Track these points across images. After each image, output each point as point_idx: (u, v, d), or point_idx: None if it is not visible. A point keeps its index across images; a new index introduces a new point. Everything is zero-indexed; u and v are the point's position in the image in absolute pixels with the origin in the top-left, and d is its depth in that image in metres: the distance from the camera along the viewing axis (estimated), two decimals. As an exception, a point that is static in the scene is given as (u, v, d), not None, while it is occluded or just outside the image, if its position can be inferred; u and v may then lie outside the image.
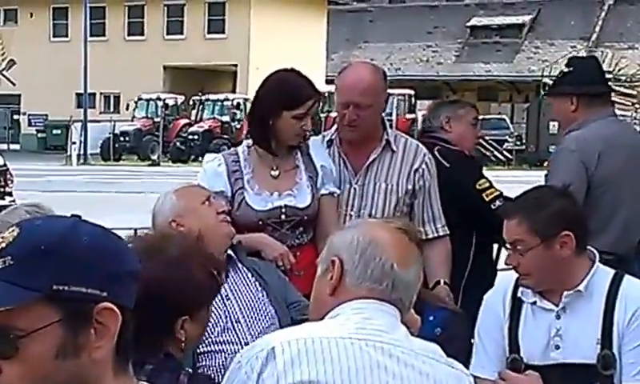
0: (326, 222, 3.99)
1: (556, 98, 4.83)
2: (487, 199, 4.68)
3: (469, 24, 50.82)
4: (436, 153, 4.64)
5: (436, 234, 4.33)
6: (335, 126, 4.35)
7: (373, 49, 51.18)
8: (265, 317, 3.41)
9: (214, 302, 3.20)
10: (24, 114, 47.45)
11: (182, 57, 44.02)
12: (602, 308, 3.18)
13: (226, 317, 3.36)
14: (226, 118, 37.94)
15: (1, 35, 47.91)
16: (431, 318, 3.49)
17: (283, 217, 3.98)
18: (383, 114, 4.38)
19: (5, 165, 14.20)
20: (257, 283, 3.49)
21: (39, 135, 44.67)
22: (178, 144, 37.11)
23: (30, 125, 46.75)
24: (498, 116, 41.22)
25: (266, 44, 43.15)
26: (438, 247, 4.31)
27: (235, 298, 3.41)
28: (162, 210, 3.47)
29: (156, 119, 38.42)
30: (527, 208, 3.26)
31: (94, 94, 44.64)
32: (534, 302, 3.27)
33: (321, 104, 33.23)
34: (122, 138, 38.06)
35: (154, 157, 36.67)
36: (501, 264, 4.54)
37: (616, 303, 3.18)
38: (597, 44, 46.93)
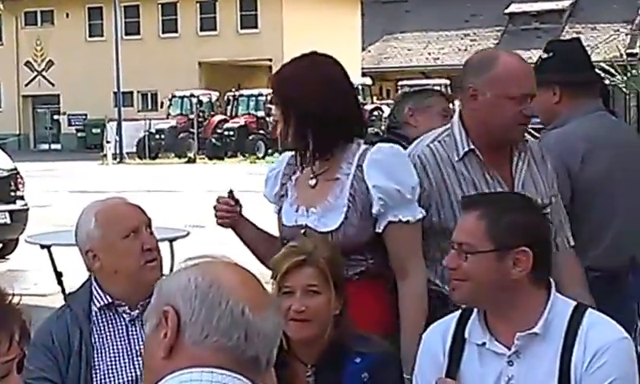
0: (396, 257, 3.25)
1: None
2: None
3: (507, 11, 50.05)
4: None
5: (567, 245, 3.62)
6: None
7: (409, 39, 50.85)
8: None
9: (121, 361, 2.98)
10: (64, 113, 47.92)
11: (216, 53, 43.97)
12: (559, 350, 2.71)
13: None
14: (261, 114, 37.73)
15: (39, 36, 48.32)
16: (357, 360, 2.99)
17: None
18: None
19: (15, 168, 13.31)
20: None
21: (79, 134, 45.40)
22: (213, 140, 37.21)
23: (69, 124, 47.27)
24: (537, 103, 40.34)
25: (300, 37, 42.87)
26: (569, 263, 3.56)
27: None
28: (80, 233, 3.02)
29: (191, 116, 38.47)
30: (491, 207, 2.79)
31: (132, 93, 44.91)
32: (483, 343, 2.76)
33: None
34: (157, 136, 38.08)
35: (190, 154, 36.79)
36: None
37: (575, 343, 2.70)
38: (640, 27, 46.13)
